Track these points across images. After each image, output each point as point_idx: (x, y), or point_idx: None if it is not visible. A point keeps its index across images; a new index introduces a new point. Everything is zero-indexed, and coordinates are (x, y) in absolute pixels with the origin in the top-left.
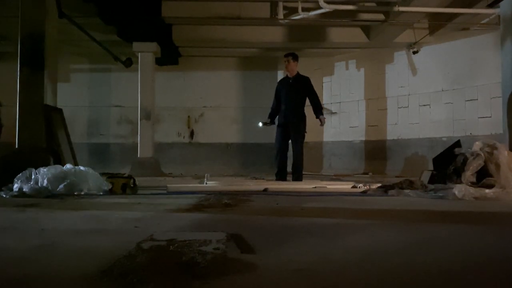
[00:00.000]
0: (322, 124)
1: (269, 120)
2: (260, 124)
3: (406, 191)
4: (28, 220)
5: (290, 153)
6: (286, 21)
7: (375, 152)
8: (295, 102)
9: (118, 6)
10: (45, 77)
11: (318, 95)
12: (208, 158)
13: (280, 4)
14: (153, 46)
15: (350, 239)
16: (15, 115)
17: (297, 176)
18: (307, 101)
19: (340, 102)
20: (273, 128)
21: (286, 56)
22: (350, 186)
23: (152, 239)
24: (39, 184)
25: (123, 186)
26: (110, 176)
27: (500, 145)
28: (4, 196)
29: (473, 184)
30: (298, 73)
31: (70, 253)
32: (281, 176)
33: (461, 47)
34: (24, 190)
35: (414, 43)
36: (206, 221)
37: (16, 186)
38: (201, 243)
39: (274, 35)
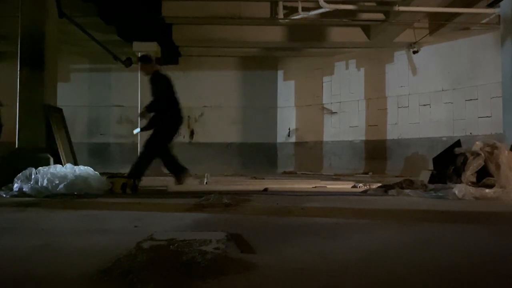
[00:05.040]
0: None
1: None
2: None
3: (406, 190)
4: (28, 220)
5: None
6: (286, 20)
7: (375, 152)
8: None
9: (118, 6)
10: (45, 77)
11: (318, 95)
12: (208, 157)
13: (280, 4)
14: (153, 46)
15: (350, 238)
16: (15, 115)
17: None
18: (175, 104)
19: (340, 102)
20: (273, 128)
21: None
22: (350, 186)
23: (152, 239)
24: (39, 184)
25: (123, 186)
26: (110, 176)
27: (500, 144)
28: (4, 196)
29: (473, 184)
30: (154, 72)
31: (70, 252)
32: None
33: (461, 47)
34: (24, 190)
35: (414, 43)
36: (206, 221)
37: (16, 186)
38: (201, 243)
39: (274, 34)
